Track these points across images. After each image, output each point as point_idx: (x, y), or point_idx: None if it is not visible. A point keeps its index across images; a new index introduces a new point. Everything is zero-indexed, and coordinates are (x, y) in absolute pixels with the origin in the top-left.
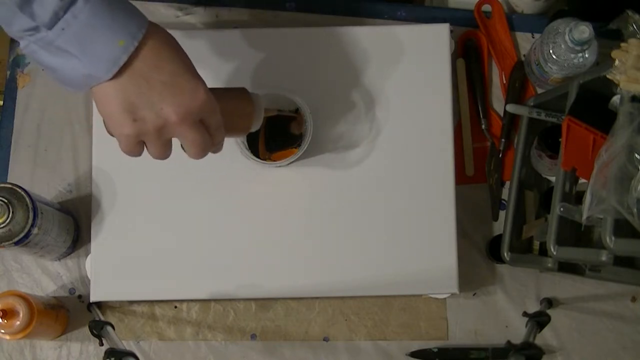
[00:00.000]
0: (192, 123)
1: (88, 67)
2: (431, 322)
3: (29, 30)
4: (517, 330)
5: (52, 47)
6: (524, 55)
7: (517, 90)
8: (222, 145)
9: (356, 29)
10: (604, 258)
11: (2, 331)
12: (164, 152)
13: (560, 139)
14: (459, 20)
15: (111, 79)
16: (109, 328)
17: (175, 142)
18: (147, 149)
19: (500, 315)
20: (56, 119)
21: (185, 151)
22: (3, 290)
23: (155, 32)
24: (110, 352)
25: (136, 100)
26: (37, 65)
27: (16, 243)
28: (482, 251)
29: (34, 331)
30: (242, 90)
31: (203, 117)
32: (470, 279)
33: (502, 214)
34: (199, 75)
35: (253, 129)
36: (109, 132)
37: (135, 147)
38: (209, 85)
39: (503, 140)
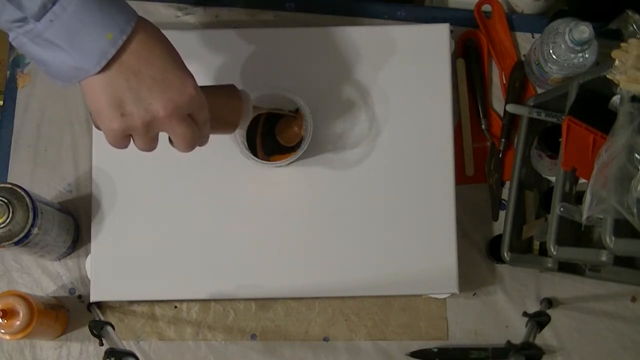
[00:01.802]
0: (180, 118)
1: (76, 60)
2: (431, 322)
3: (17, 22)
4: (517, 330)
5: (41, 39)
6: (524, 55)
7: (517, 90)
8: (207, 139)
9: (356, 29)
10: (604, 258)
11: (2, 331)
12: (151, 145)
13: (560, 139)
14: (459, 20)
15: (100, 72)
16: (109, 328)
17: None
18: (133, 141)
19: (500, 315)
20: (56, 119)
21: (173, 145)
22: (3, 290)
23: (144, 27)
24: (110, 352)
25: (124, 95)
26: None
27: (16, 243)
28: (482, 251)
29: (34, 331)
30: (231, 87)
31: (191, 111)
32: (470, 279)
33: (502, 214)
34: (188, 70)
35: (242, 126)
36: (96, 125)
37: (122, 140)
38: (208, 84)
39: (503, 140)
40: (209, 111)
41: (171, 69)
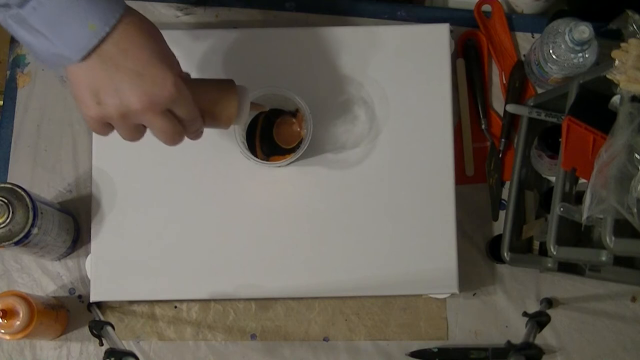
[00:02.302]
0: (158, 112)
1: (58, 48)
2: (431, 322)
3: (2, 6)
4: (517, 330)
5: (25, 24)
6: (524, 55)
7: (517, 90)
8: (200, 133)
9: (356, 29)
10: (604, 258)
11: (2, 331)
12: (132, 135)
13: (560, 139)
14: (459, 20)
15: (82, 60)
16: (109, 328)
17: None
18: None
19: (500, 315)
20: (56, 119)
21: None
22: (3, 290)
23: (131, 19)
24: (110, 352)
25: (102, 85)
26: (36, 64)
27: (16, 243)
28: (482, 251)
29: (34, 331)
30: (228, 82)
31: (171, 107)
32: (470, 279)
33: (502, 214)
34: (173, 66)
35: (238, 122)
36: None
37: (101, 128)
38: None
39: (503, 140)
40: (200, 105)
41: (153, 63)
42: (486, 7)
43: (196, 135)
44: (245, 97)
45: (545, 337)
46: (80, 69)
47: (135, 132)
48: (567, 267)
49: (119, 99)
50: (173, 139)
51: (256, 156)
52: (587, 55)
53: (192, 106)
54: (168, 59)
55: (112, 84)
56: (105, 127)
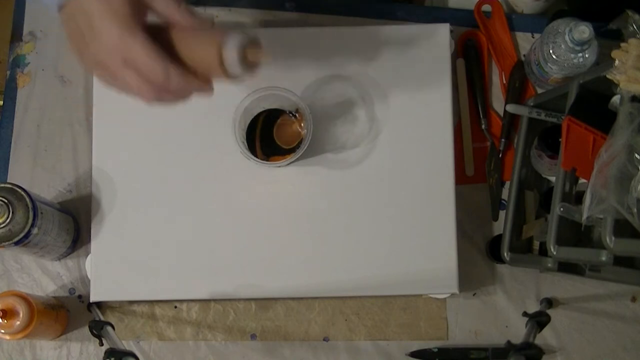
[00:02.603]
0: (118, 64)
1: None
2: (431, 322)
3: None
4: (517, 330)
5: None
6: (524, 55)
7: (517, 90)
8: (205, 89)
9: (356, 29)
10: (604, 258)
11: (2, 331)
12: (121, 88)
13: (560, 139)
14: (459, 20)
15: (60, 10)
16: (109, 328)
17: (171, 135)
18: None
19: (500, 315)
20: (56, 119)
21: None
22: (3, 290)
23: None
24: (110, 352)
25: (76, 34)
26: (36, 64)
27: (16, 243)
28: (482, 251)
29: (34, 331)
30: (214, 30)
31: (127, 58)
32: (470, 279)
33: (502, 214)
34: (125, 20)
35: (232, 71)
36: None
37: (91, 72)
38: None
39: (503, 140)
40: (181, 55)
41: (103, 17)
42: (486, 7)
43: (201, 90)
44: (234, 41)
45: (545, 337)
46: (62, 17)
47: (119, 80)
48: (567, 267)
49: (89, 48)
50: (140, 92)
51: (256, 156)
52: (587, 55)
53: (151, 57)
54: (121, 14)
55: (80, 34)
56: (96, 72)
